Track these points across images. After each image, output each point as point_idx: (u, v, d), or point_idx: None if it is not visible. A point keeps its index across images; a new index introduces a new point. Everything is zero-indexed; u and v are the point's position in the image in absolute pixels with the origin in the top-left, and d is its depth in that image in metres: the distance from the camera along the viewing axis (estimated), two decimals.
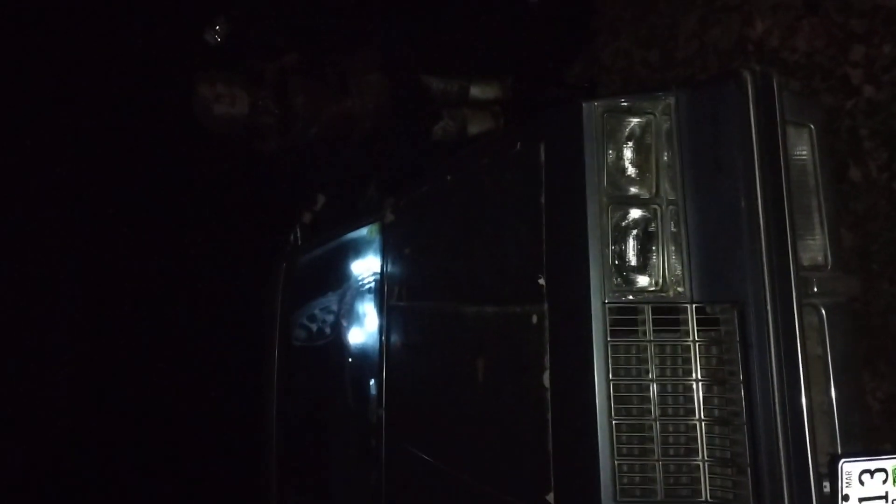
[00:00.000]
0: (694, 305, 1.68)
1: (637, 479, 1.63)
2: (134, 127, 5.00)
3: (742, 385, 1.60)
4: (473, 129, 3.41)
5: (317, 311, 3.62)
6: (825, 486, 1.56)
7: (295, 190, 3.92)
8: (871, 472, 1.57)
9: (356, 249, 3.31)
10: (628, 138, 1.79)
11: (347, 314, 3.37)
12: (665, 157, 1.77)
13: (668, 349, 1.68)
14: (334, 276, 3.51)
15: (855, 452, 1.62)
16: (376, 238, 3.06)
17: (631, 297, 1.71)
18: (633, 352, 1.68)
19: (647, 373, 1.66)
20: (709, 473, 1.62)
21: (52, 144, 5.09)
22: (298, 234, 3.92)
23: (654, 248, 1.74)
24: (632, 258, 1.75)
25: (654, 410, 1.65)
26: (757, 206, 1.62)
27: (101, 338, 5.32)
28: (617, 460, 1.63)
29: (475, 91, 3.50)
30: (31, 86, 4.88)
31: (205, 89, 2.76)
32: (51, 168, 5.11)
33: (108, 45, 4.84)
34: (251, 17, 3.14)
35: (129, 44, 4.80)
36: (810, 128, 1.79)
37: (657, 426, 1.64)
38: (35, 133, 5.01)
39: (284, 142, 2.92)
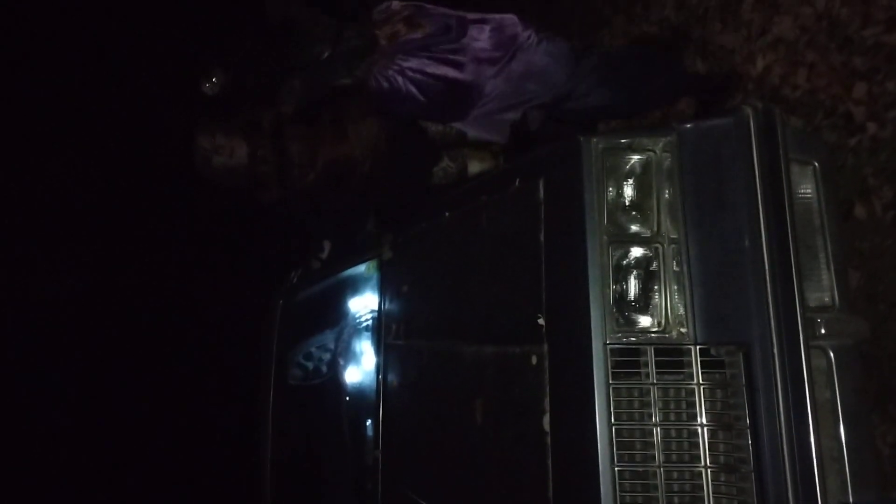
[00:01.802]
0: (698, 347, 1.64)
1: None
2: (140, 172, 5.05)
3: (749, 430, 1.55)
4: (474, 168, 3.38)
5: (313, 350, 3.57)
6: None
7: (298, 235, 3.91)
8: None
9: (354, 286, 3.28)
10: (629, 175, 1.76)
11: (344, 352, 3.32)
12: (666, 195, 1.74)
13: (671, 392, 1.63)
14: (331, 313, 3.47)
15: (867, 500, 1.56)
16: (374, 275, 3.02)
17: (633, 338, 1.67)
18: (636, 395, 1.63)
19: (651, 417, 1.61)
20: None
21: (61, 194, 5.14)
22: (297, 273, 3.89)
23: (656, 287, 1.70)
24: (633, 298, 1.71)
25: (658, 457, 1.60)
26: (761, 245, 1.59)
27: (100, 373, 5.29)
28: None
29: None
30: (38, 141, 4.94)
31: (204, 141, 2.77)
32: (59, 213, 5.16)
33: (112, 96, 4.91)
34: (247, 67, 3.16)
35: (130, 95, 4.86)
36: (814, 165, 1.77)
37: (661, 473, 1.59)
38: (44, 185, 5.07)
39: (284, 190, 2.91)
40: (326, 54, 2.65)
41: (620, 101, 2.76)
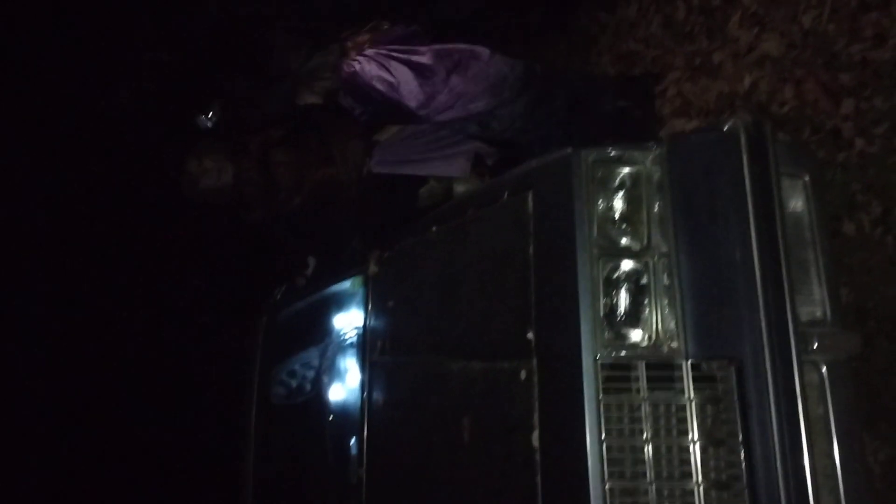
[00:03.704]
0: (689, 362, 1.61)
1: None
2: (127, 191, 5.04)
3: (742, 446, 1.53)
4: (460, 188, 3.41)
5: (297, 367, 3.52)
6: None
7: (284, 254, 3.90)
8: None
9: (338, 303, 3.24)
10: (618, 188, 1.75)
11: (328, 369, 3.27)
12: (656, 208, 1.73)
13: (662, 408, 1.60)
14: (316, 330, 3.42)
15: None
16: (359, 290, 2.98)
17: (623, 352, 1.65)
18: (627, 410, 1.60)
19: (642, 433, 1.59)
20: None
21: (51, 212, 5.12)
22: (282, 289, 3.86)
23: (646, 301, 1.69)
24: (624, 312, 1.69)
25: (650, 473, 1.57)
26: (752, 258, 1.58)
27: (82, 390, 5.22)
28: None
29: None
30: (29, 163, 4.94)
31: (193, 165, 2.81)
32: (48, 230, 5.13)
33: (102, 119, 4.92)
34: (244, 103, 3.21)
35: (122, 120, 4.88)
36: (805, 179, 1.76)
37: (653, 490, 1.56)
38: (34, 202, 5.05)
39: (269, 211, 2.93)
40: (299, 63, 2.90)
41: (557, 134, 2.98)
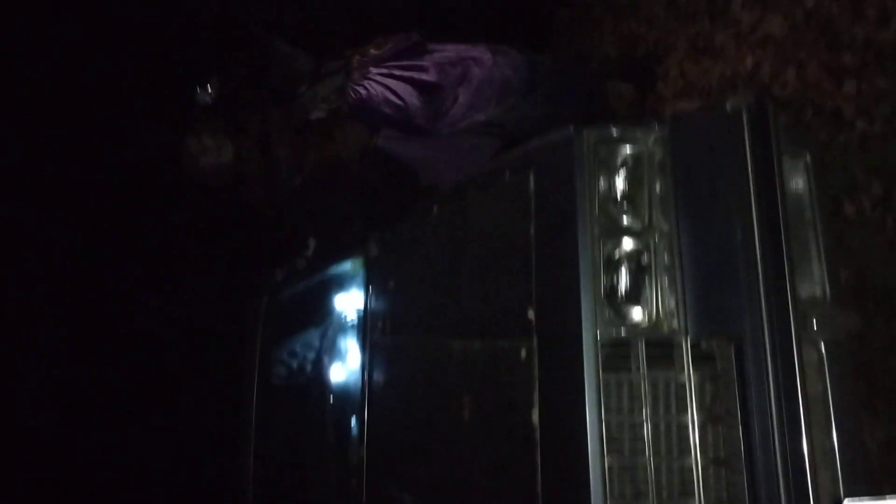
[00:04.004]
0: (689, 340, 1.62)
1: None
2: (126, 171, 5.02)
3: (740, 424, 1.54)
4: None
5: (298, 348, 3.54)
6: None
7: (284, 235, 3.89)
8: None
9: (339, 284, 3.25)
10: (620, 167, 1.75)
11: (329, 350, 3.28)
12: (658, 188, 1.73)
13: (661, 386, 1.62)
14: (316, 311, 3.43)
15: (858, 494, 1.55)
16: (360, 272, 2.99)
17: (623, 331, 1.66)
18: (626, 388, 1.62)
19: (641, 410, 1.60)
20: None
21: (46, 190, 5.11)
22: (282, 271, 3.86)
23: (647, 280, 1.69)
24: (624, 291, 1.70)
25: (648, 450, 1.58)
26: (753, 237, 1.58)
27: (81, 372, 5.23)
28: (609, 502, 1.55)
29: None
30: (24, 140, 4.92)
31: (193, 143, 2.80)
32: (43, 208, 5.11)
33: (101, 94, 4.89)
34: (244, 78, 3.19)
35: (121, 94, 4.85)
36: (806, 159, 1.76)
37: (651, 467, 1.57)
38: (29, 181, 5.03)
39: (269, 190, 2.93)
40: (305, 87, 2.86)
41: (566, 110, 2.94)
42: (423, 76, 2.82)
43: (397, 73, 2.82)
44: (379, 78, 2.82)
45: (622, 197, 1.75)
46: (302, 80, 2.86)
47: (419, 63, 2.85)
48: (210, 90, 2.95)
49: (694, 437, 1.57)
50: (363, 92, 2.83)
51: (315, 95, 2.89)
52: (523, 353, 1.80)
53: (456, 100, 2.84)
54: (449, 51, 2.92)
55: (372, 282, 2.84)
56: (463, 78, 2.84)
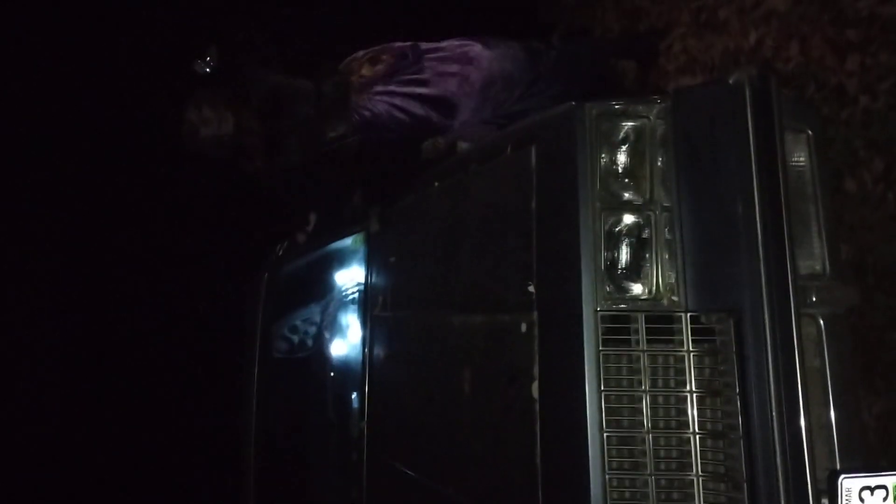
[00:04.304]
0: (688, 314, 1.62)
1: (628, 494, 1.56)
2: (125, 144, 5.01)
3: (738, 397, 1.54)
4: (464, 144, 3.40)
5: (298, 323, 3.56)
6: (823, 503, 1.50)
7: (285, 210, 3.89)
8: (872, 489, 1.51)
9: (340, 259, 3.26)
10: (622, 142, 1.74)
11: (330, 325, 3.30)
12: (659, 162, 1.72)
13: (660, 360, 1.62)
14: (317, 286, 3.45)
15: (855, 468, 1.56)
16: (361, 247, 3.00)
17: (623, 305, 1.66)
18: (625, 362, 1.62)
19: (640, 384, 1.60)
20: (703, 489, 1.55)
21: (48, 164, 5.11)
22: (283, 245, 3.87)
23: (647, 255, 1.69)
24: (625, 265, 1.70)
25: (647, 423, 1.59)
26: (754, 212, 1.58)
27: (84, 347, 5.27)
28: (608, 474, 1.56)
29: None
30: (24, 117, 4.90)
31: (193, 114, 2.78)
32: (44, 184, 5.12)
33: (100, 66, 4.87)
34: (243, 46, 3.16)
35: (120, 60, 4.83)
36: (808, 133, 1.76)
37: (649, 439, 1.58)
38: (30, 155, 5.03)
39: (270, 162, 2.92)
40: (311, 112, 2.85)
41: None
42: (424, 90, 2.82)
43: (398, 89, 2.82)
44: (381, 98, 2.82)
45: (623, 171, 1.74)
46: (307, 108, 2.85)
47: (419, 77, 2.83)
48: (209, 60, 2.93)
49: (692, 409, 1.58)
50: (367, 114, 2.82)
51: (319, 118, 2.87)
52: (523, 326, 1.80)
53: (460, 110, 2.83)
54: (444, 50, 2.89)
55: (373, 257, 2.85)
56: (464, 84, 2.83)
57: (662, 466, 1.57)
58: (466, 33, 2.97)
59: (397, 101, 2.81)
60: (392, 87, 2.82)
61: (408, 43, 2.91)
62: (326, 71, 2.93)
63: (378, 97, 2.82)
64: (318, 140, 2.88)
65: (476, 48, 2.86)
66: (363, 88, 2.84)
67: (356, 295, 3.06)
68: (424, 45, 2.90)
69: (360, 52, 2.97)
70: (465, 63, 2.83)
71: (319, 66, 2.95)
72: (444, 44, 2.90)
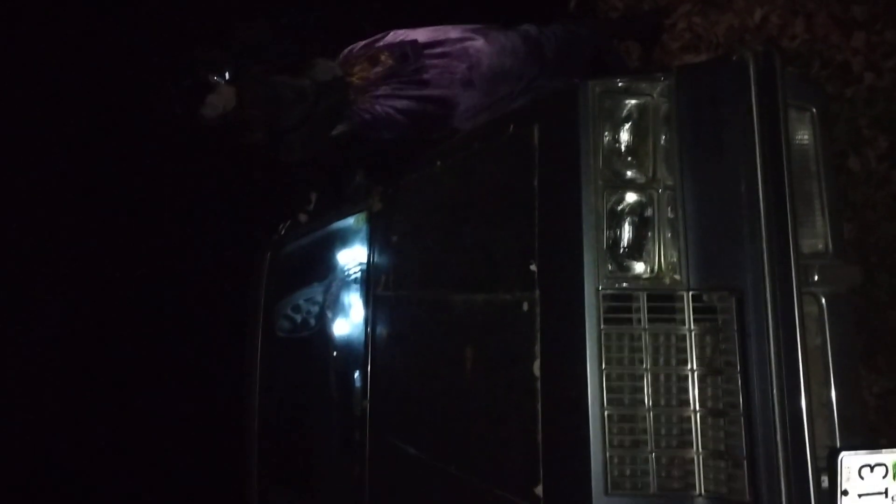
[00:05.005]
0: (690, 293, 1.62)
1: (629, 471, 1.57)
2: (126, 124, 5.00)
3: (739, 375, 1.54)
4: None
5: (301, 302, 3.56)
6: (823, 481, 1.51)
7: (286, 185, 3.88)
8: (871, 467, 1.53)
9: (342, 239, 3.26)
10: (625, 120, 1.74)
11: (332, 305, 3.31)
12: (662, 141, 1.71)
13: (662, 338, 1.62)
14: (320, 266, 3.45)
15: (854, 446, 1.57)
16: (363, 227, 3.00)
17: (625, 284, 1.66)
18: (627, 340, 1.62)
19: (641, 362, 1.61)
20: (703, 466, 1.56)
21: (48, 145, 5.11)
22: (285, 225, 3.86)
23: (649, 233, 1.69)
24: (627, 244, 1.70)
25: (648, 401, 1.60)
26: (757, 190, 1.57)
27: (84, 328, 5.29)
28: (608, 452, 1.57)
29: None
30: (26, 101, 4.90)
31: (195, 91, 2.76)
32: (45, 165, 5.13)
33: (102, 44, 4.85)
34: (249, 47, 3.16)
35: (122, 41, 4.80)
36: (812, 111, 1.74)
37: (650, 417, 1.59)
38: (31, 136, 5.03)
39: (273, 135, 2.91)
40: (310, 112, 2.82)
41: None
42: (425, 91, 2.80)
43: (399, 92, 2.80)
44: (382, 100, 2.81)
45: (626, 150, 1.73)
46: (306, 108, 2.81)
47: (419, 77, 2.81)
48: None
49: (693, 387, 1.59)
50: (367, 117, 2.82)
51: (320, 120, 2.86)
52: (525, 305, 1.81)
53: (461, 107, 2.81)
54: (443, 45, 2.84)
55: (375, 237, 2.84)
56: (464, 83, 2.80)
57: (663, 444, 1.58)
58: (466, 17, 2.93)
59: (398, 103, 2.80)
60: (392, 90, 2.80)
61: (407, 39, 2.87)
62: (324, 67, 2.90)
63: (378, 100, 2.81)
64: (319, 139, 2.89)
65: (476, 43, 2.82)
66: (363, 90, 2.83)
67: (358, 274, 3.07)
68: (423, 40, 2.86)
69: (358, 45, 2.95)
70: (466, 60, 2.79)
71: (316, 62, 2.91)
72: (442, 37, 2.85)
